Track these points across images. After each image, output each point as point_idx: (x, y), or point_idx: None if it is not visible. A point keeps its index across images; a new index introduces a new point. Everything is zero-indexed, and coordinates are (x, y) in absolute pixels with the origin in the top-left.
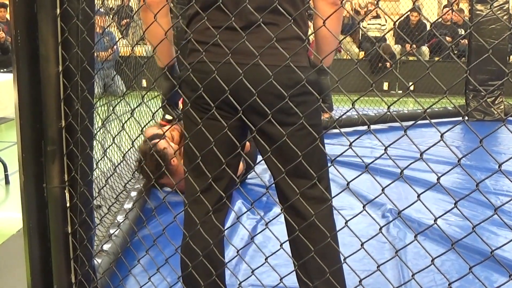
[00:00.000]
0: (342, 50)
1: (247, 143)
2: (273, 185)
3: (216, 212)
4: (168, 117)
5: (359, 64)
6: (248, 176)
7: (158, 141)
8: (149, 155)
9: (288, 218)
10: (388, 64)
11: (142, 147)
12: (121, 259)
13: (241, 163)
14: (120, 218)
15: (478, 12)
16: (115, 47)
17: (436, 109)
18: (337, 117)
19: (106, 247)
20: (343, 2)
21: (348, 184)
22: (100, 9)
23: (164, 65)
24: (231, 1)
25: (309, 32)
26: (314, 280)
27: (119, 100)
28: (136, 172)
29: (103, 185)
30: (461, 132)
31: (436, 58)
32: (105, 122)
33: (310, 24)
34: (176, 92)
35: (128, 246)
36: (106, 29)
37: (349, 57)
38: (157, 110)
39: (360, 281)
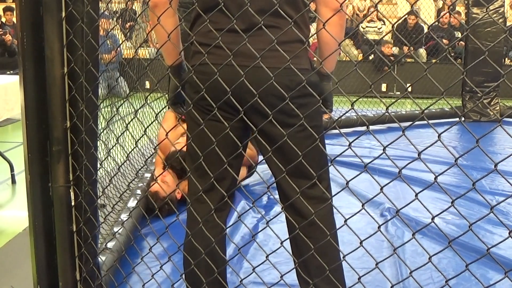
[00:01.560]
0: (341, 52)
1: (254, 152)
2: (274, 184)
3: (219, 212)
4: None
5: (358, 66)
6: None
7: (157, 191)
8: (159, 203)
9: (289, 217)
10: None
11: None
12: (125, 257)
13: (243, 168)
14: (124, 216)
15: (474, 15)
16: (118, 49)
17: (434, 110)
18: (336, 118)
19: (110, 245)
20: (344, 6)
21: (347, 183)
22: (105, 12)
23: (171, 64)
24: (234, 3)
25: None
26: (314, 278)
27: (122, 101)
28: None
29: (107, 184)
30: (458, 132)
31: (433, 60)
32: (109, 122)
33: (311, 26)
34: (183, 90)
35: (132, 244)
36: (110, 32)
37: (348, 59)
38: (160, 111)
39: (359, 279)
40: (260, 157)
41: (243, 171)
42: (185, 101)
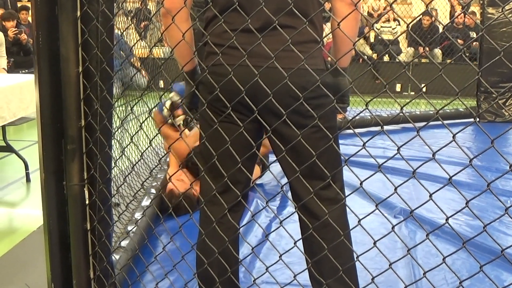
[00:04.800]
0: (356, 52)
1: (267, 149)
2: (287, 185)
3: (233, 213)
4: (165, 113)
5: (373, 66)
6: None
7: (172, 189)
8: (175, 201)
9: (303, 218)
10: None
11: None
12: (138, 256)
13: (257, 166)
14: (137, 215)
15: (489, 15)
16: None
17: (448, 110)
18: (351, 118)
19: (124, 243)
20: (359, 3)
21: (361, 183)
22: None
23: (186, 69)
24: (249, 3)
25: (324, 34)
26: (327, 279)
27: (137, 101)
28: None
29: (121, 183)
30: (472, 133)
31: (448, 60)
32: (123, 121)
33: (325, 26)
34: (197, 95)
35: (145, 242)
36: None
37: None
38: (172, 111)
39: (372, 279)
40: (273, 157)
41: (257, 169)
42: (199, 104)
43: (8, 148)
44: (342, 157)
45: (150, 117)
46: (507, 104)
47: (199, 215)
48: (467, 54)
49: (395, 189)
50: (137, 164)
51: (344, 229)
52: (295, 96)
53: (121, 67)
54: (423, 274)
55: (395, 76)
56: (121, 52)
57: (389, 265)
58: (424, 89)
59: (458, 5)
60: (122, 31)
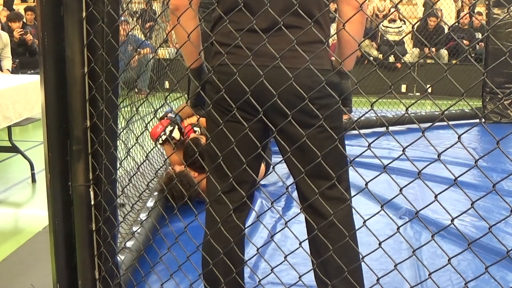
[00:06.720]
0: (362, 53)
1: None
2: (293, 185)
3: (238, 213)
4: (171, 115)
5: (378, 67)
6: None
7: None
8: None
9: (309, 218)
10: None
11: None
12: (144, 256)
13: (262, 165)
14: (143, 216)
15: (495, 16)
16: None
17: (454, 111)
18: (356, 119)
19: (129, 244)
20: (365, 4)
21: (366, 184)
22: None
23: (192, 67)
24: (257, 3)
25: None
26: (332, 279)
27: (142, 101)
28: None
29: (127, 183)
30: (478, 134)
31: (454, 61)
32: (128, 122)
33: (331, 27)
34: (204, 91)
35: (151, 243)
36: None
37: (368, 60)
38: (179, 111)
39: (377, 280)
40: (279, 158)
41: (262, 168)
42: (205, 102)
43: (14, 149)
44: (348, 158)
45: (156, 118)
46: None
47: (205, 215)
48: (473, 55)
49: (401, 190)
50: (142, 165)
51: (350, 229)
52: (301, 96)
53: (127, 67)
54: (429, 275)
55: (401, 77)
56: (129, 45)
57: (395, 266)
58: (429, 90)
59: (466, 6)
60: (127, 31)
